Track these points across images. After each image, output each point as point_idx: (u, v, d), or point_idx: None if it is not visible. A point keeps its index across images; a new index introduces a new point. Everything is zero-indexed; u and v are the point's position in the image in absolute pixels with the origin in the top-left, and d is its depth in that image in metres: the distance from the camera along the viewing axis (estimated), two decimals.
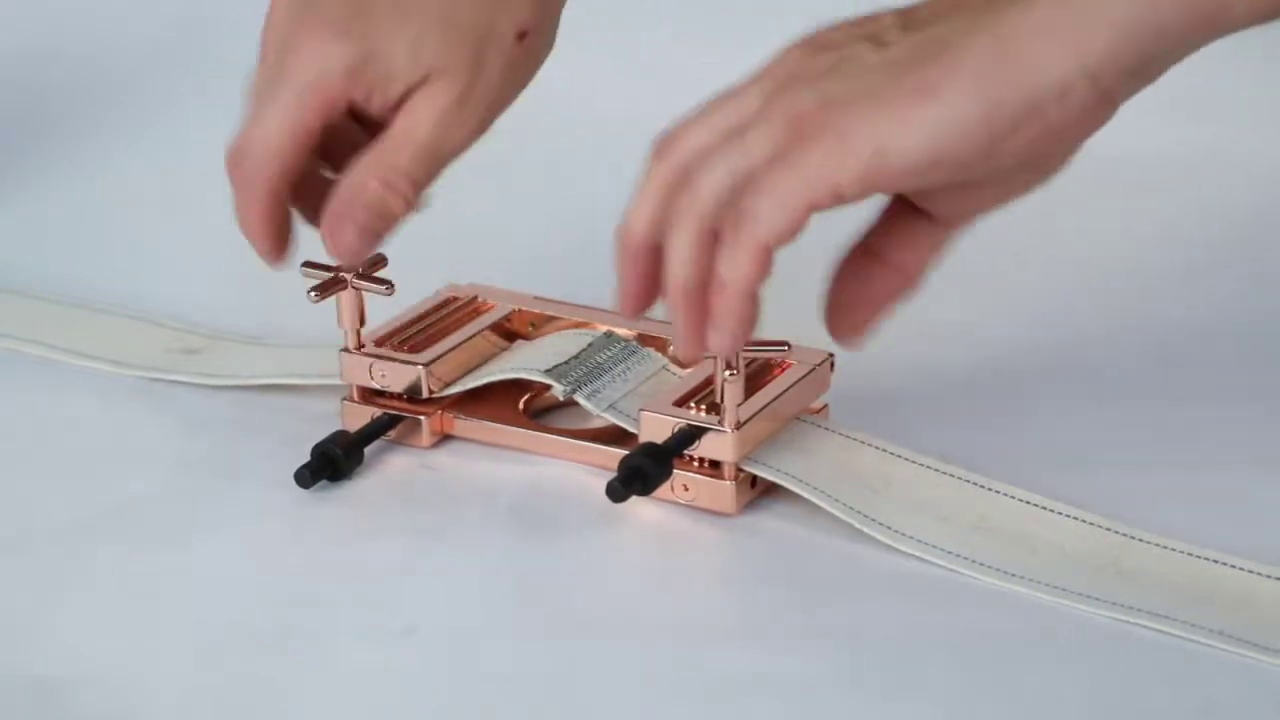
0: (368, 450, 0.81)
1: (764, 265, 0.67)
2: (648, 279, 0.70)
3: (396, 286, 0.80)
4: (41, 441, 0.85)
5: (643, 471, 0.75)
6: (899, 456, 0.78)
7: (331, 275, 0.80)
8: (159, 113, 1.21)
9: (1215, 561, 0.72)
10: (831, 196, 0.65)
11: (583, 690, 0.68)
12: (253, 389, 0.87)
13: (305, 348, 0.88)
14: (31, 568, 0.75)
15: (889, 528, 0.75)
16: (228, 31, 1.28)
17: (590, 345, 0.83)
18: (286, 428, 0.83)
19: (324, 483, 0.79)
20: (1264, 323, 0.92)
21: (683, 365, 0.81)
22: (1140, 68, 0.64)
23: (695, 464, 0.77)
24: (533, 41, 0.78)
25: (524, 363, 0.83)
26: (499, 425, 0.82)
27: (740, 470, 0.77)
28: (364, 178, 0.76)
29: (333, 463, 0.79)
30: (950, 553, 0.74)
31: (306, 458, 0.79)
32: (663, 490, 0.76)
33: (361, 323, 0.82)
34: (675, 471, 0.76)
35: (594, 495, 0.76)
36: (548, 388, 0.82)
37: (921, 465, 0.78)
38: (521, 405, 0.83)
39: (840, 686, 0.67)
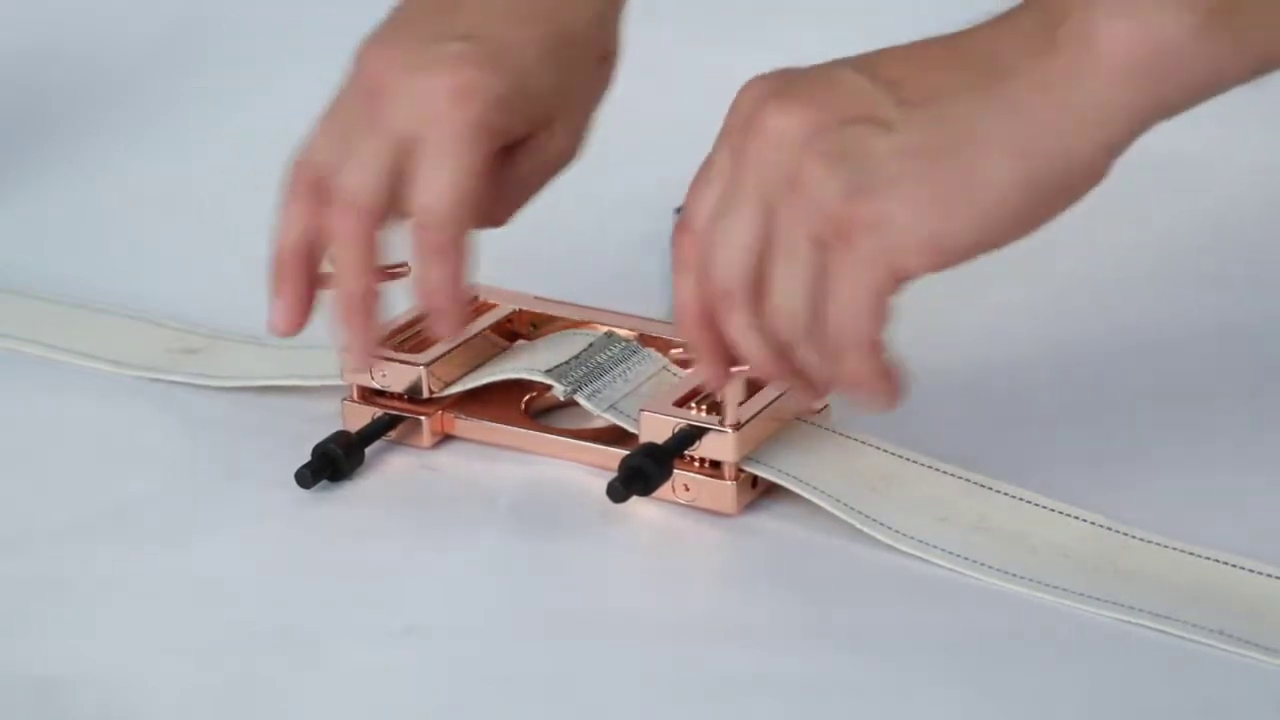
0: (368, 450, 0.81)
1: (876, 356, 0.67)
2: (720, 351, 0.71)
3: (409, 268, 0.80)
4: (41, 441, 0.85)
5: (643, 471, 0.75)
6: (899, 456, 0.78)
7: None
8: (159, 113, 1.21)
9: (1215, 561, 0.72)
10: (899, 285, 0.66)
11: (583, 690, 0.68)
12: (253, 389, 0.87)
13: (306, 348, 0.88)
14: (31, 568, 0.75)
15: (889, 528, 0.75)
16: (228, 31, 1.28)
17: (591, 345, 0.83)
18: (286, 428, 0.83)
19: (324, 483, 0.79)
20: (1263, 324, 0.92)
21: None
22: (1144, 131, 0.66)
23: (696, 464, 0.77)
24: (608, 65, 0.80)
25: (525, 363, 0.83)
26: (500, 425, 0.82)
27: (741, 470, 0.77)
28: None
29: (333, 463, 0.79)
30: (950, 553, 0.74)
31: (307, 458, 0.79)
32: (663, 490, 0.76)
33: None
34: (676, 472, 0.76)
35: (594, 495, 0.76)
36: (548, 388, 0.82)
37: (921, 465, 0.78)
38: (522, 405, 0.83)
39: (840, 686, 0.67)
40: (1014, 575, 0.73)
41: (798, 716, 0.66)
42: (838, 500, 0.75)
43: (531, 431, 0.82)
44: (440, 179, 0.73)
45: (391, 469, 0.81)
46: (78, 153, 1.15)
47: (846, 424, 0.80)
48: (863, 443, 0.79)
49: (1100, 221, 1.03)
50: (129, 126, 1.18)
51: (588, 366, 0.82)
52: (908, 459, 0.78)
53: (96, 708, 0.67)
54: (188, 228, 1.07)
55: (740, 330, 0.68)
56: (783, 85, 0.67)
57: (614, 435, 0.80)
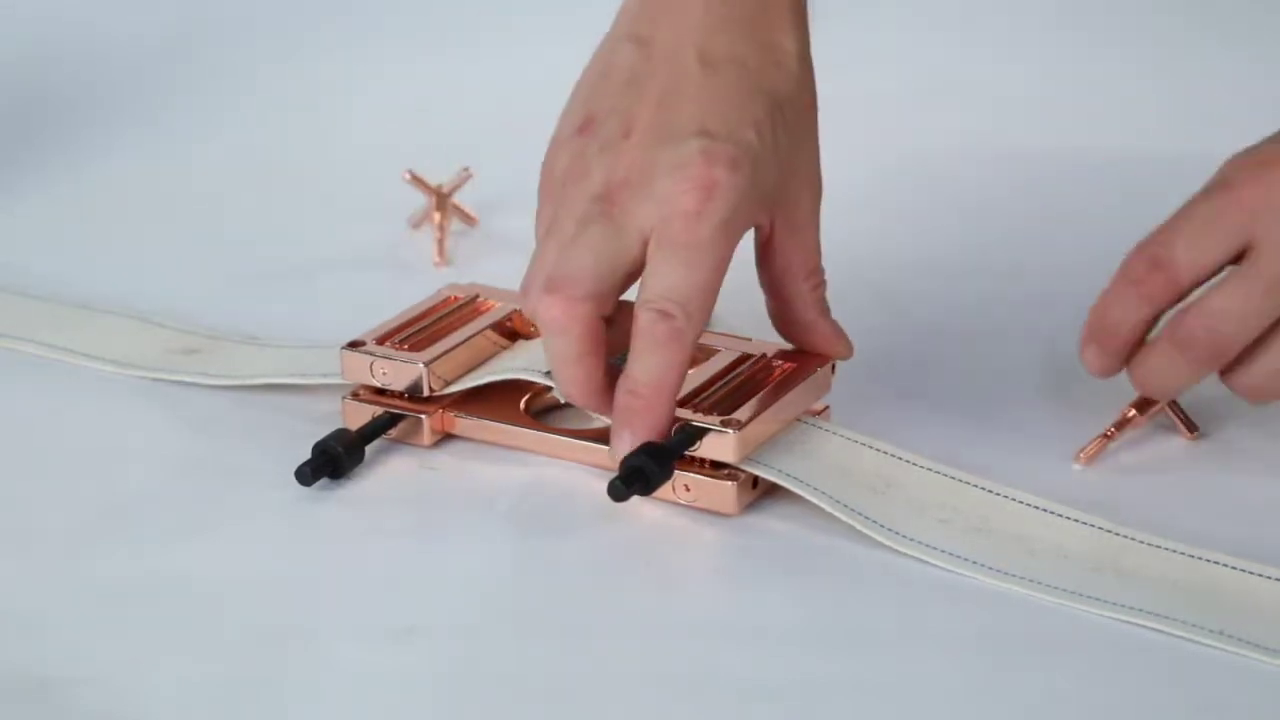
0: (368, 450, 0.81)
1: None
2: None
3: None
4: (41, 441, 0.85)
5: (645, 471, 0.75)
6: (900, 458, 0.78)
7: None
8: (158, 113, 1.21)
9: (1215, 561, 0.72)
10: None
11: (583, 690, 0.68)
12: (253, 389, 0.87)
13: (305, 347, 0.88)
14: (31, 568, 0.75)
15: (890, 529, 0.75)
16: (227, 32, 1.28)
17: None
18: (287, 427, 0.83)
19: (324, 482, 0.79)
20: None
21: None
22: None
23: (696, 464, 0.77)
24: (814, 112, 0.79)
25: (525, 363, 0.83)
26: (500, 425, 0.82)
27: (741, 470, 0.77)
28: None
29: (333, 460, 0.79)
30: (951, 554, 0.74)
31: (307, 456, 0.79)
32: (664, 490, 0.76)
33: None
34: (676, 472, 0.76)
35: (594, 495, 0.77)
36: (549, 388, 0.82)
37: (922, 467, 0.78)
38: (522, 405, 0.83)
39: (840, 687, 0.67)
40: (1014, 575, 0.73)
41: (798, 717, 0.66)
42: (838, 501, 0.75)
43: (531, 431, 0.82)
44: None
45: (392, 468, 0.81)
46: (77, 153, 1.15)
47: (847, 425, 0.80)
48: (863, 444, 0.79)
49: (1104, 221, 1.03)
50: (128, 127, 1.18)
51: None
52: (908, 460, 0.78)
53: (96, 708, 0.67)
54: (187, 228, 1.07)
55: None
56: None
57: None
